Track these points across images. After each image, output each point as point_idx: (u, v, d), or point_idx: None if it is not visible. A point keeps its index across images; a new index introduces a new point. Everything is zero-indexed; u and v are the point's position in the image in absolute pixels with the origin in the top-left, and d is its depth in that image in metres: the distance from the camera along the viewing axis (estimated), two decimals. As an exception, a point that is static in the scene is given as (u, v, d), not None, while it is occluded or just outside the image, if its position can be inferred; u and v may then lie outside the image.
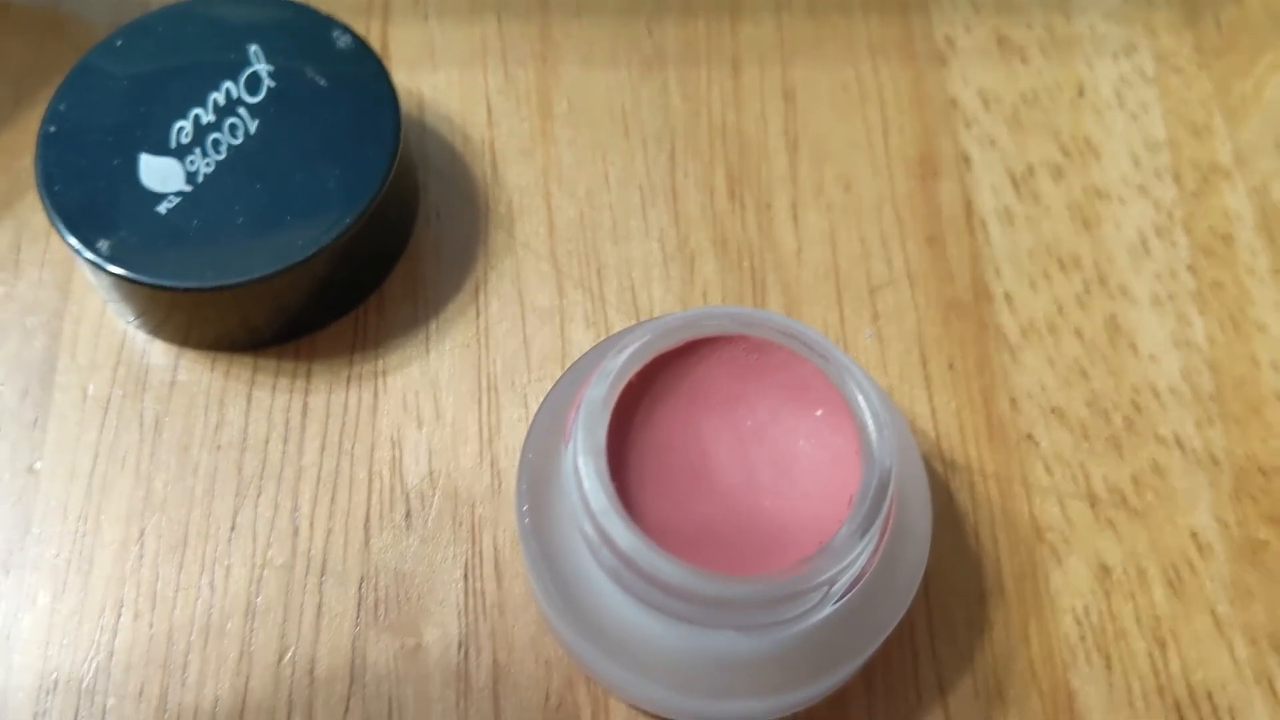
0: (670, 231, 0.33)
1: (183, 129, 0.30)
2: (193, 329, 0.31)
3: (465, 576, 0.29)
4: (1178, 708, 0.28)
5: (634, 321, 0.32)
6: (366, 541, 0.29)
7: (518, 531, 0.26)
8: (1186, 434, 0.31)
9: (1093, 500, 0.30)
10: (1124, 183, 0.34)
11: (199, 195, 0.29)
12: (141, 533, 0.29)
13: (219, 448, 0.30)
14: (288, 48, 0.31)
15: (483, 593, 0.29)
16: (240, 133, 0.30)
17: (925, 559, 0.26)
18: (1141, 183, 0.34)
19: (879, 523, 0.23)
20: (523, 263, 0.33)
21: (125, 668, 0.28)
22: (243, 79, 0.31)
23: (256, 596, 0.29)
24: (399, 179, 0.31)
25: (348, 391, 0.31)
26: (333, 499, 0.30)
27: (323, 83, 0.31)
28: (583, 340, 0.32)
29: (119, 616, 0.28)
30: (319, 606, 0.28)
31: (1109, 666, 0.28)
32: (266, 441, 0.30)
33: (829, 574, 0.23)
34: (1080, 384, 0.31)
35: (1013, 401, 0.31)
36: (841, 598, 0.24)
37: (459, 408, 0.31)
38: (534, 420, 0.27)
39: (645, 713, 0.28)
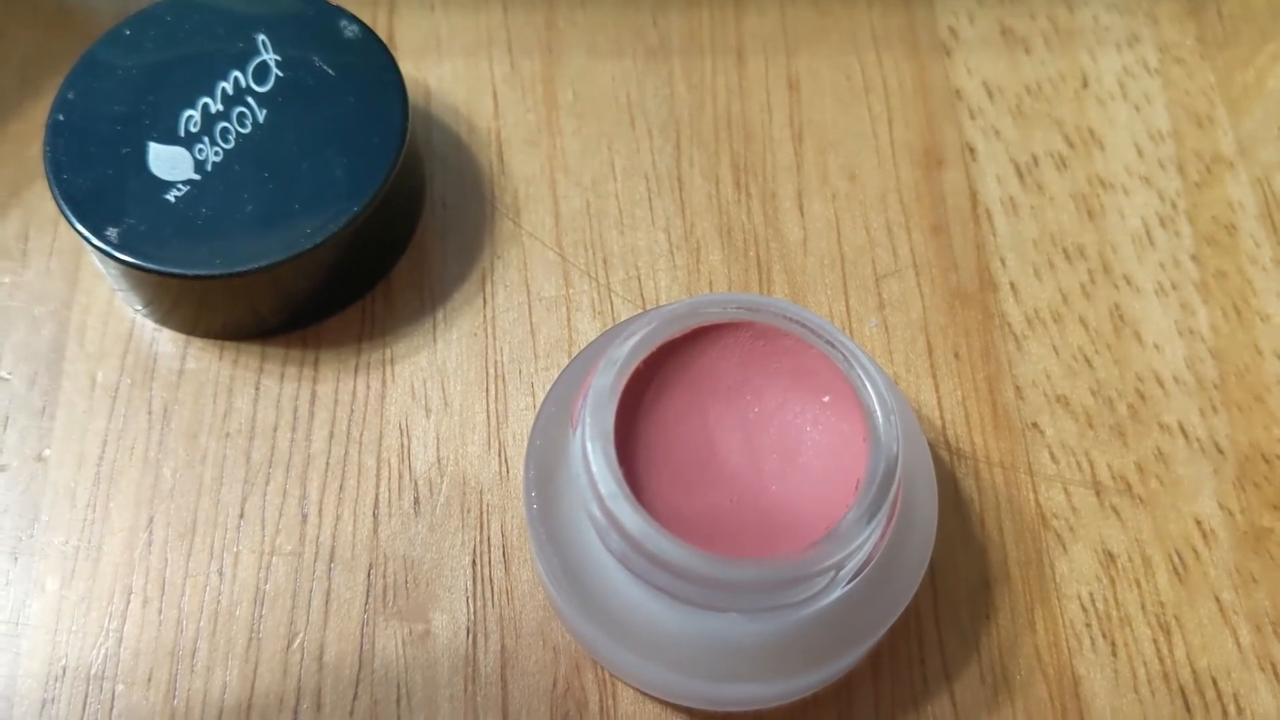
0: (676, 221, 0.33)
1: (191, 118, 0.30)
2: (201, 317, 0.31)
3: (473, 563, 0.29)
4: (1182, 693, 0.28)
5: (640, 310, 0.32)
6: (375, 528, 0.29)
7: (525, 518, 0.27)
8: (1191, 422, 0.31)
9: (1098, 487, 0.30)
10: (1128, 173, 0.34)
11: (207, 184, 0.30)
12: (150, 520, 0.29)
13: (227, 435, 0.30)
14: (295, 37, 0.31)
15: (491, 579, 0.29)
16: (249, 122, 0.30)
17: (931, 545, 0.26)
18: (1145, 173, 0.34)
19: (885, 508, 0.24)
20: (529, 252, 0.33)
21: (134, 654, 0.28)
22: (251, 68, 0.31)
23: (265, 583, 0.29)
24: (406, 168, 0.31)
25: (356, 380, 0.31)
26: (341, 486, 0.30)
27: (330, 72, 0.31)
28: (589, 329, 0.32)
29: (128, 603, 0.28)
30: (327, 593, 0.29)
31: (1114, 652, 0.28)
32: (275, 429, 0.30)
33: (835, 559, 0.23)
34: (1085, 372, 0.31)
35: (1018, 390, 0.31)
36: (848, 583, 0.24)
37: (466, 396, 0.31)
38: (541, 408, 0.27)
39: (652, 697, 0.28)
